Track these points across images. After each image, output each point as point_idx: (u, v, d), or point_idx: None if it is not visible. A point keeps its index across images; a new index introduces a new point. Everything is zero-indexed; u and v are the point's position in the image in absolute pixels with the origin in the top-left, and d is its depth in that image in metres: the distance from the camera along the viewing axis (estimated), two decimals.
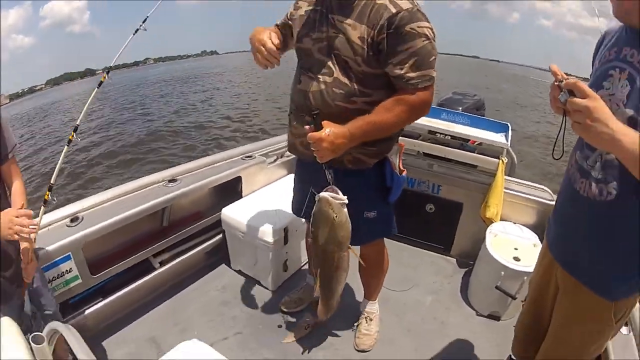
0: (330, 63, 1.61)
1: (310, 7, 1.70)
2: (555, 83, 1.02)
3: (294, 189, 2.21)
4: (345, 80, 1.59)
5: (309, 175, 1.96)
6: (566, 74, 1.03)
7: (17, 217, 1.42)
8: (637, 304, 1.57)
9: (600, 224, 1.21)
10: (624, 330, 1.73)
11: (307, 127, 1.51)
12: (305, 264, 2.87)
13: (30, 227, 1.45)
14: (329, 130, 1.48)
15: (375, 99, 1.59)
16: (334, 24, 1.59)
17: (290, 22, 1.83)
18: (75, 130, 1.75)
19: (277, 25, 1.90)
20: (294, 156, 2.20)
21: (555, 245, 1.46)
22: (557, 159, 1.18)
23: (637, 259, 1.18)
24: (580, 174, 1.24)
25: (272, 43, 1.62)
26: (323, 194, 1.45)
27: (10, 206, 1.55)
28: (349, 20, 1.55)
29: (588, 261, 1.30)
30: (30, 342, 1.19)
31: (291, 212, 2.24)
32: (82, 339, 1.17)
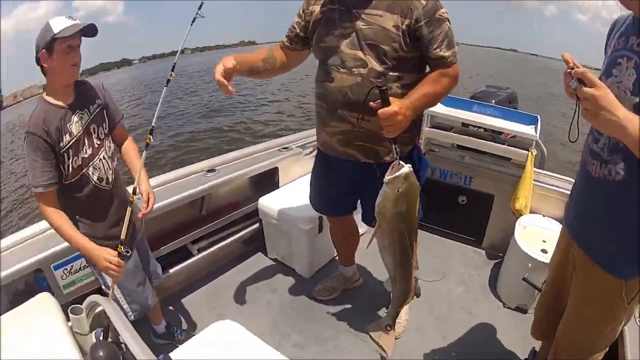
0: (361, 55, 1.71)
1: (325, 8, 1.81)
2: (567, 70, 1.08)
3: (317, 188, 2.30)
4: (381, 69, 1.69)
5: (338, 173, 2.09)
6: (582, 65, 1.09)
7: (111, 262, 1.64)
8: None
9: (610, 203, 1.26)
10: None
11: (373, 104, 1.52)
12: (336, 255, 2.93)
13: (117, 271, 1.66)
14: (399, 104, 1.52)
15: (407, 82, 1.73)
16: (361, 17, 1.70)
17: (298, 30, 1.93)
18: (151, 133, 1.86)
19: (282, 46, 2.00)
20: (316, 152, 2.29)
21: (571, 226, 1.52)
22: (573, 142, 1.24)
23: (627, 244, 1.24)
24: (592, 156, 1.30)
25: (221, 70, 1.66)
26: (407, 167, 1.44)
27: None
28: (378, 12, 1.67)
29: (600, 240, 1.35)
30: (69, 312, 1.30)
31: None
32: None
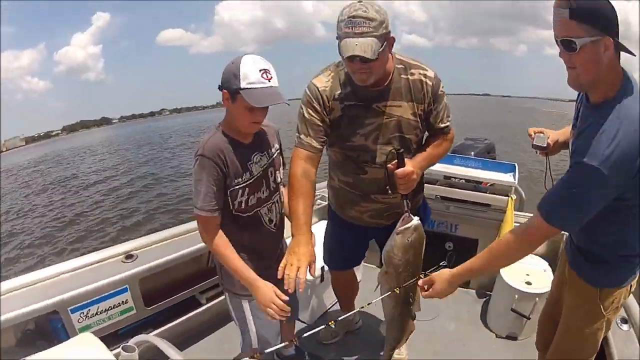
0: (389, 148, 1.80)
1: (343, 105, 1.83)
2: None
3: (333, 250, 2.39)
4: (408, 156, 1.82)
5: (359, 235, 2.27)
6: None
7: (275, 302, 1.63)
8: (632, 298, 1.94)
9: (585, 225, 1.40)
10: (624, 327, 2.00)
11: (390, 166, 1.70)
12: (333, 305, 3.12)
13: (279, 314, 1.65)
14: (411, 164, 1.72)
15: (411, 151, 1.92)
16: (384, 111, 1.82)
17: (326, 129, 1.86)
18: None
19: (314, 153, 1.84)
20: (325, 204, 2.49)
21: (565, 245, 1.80)
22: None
23: (610, 258, 1.52)
24: None
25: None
26: (416, 220, 1.63)
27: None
28: (397, 102, 1.82)
29: (578, 253, 1.62)
30: (121, 350, 1.45)
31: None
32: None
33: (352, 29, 1.57)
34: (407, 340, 1.99)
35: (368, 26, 1.56)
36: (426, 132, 1.95)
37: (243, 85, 1.53)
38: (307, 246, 1.66)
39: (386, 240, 1.73)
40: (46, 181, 17.15)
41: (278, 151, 1.88)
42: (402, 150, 1.69)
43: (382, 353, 2.59)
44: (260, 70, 1.55)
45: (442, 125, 1.91)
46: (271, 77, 1.58)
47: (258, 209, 1.79)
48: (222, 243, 1.69)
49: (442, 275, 1.67)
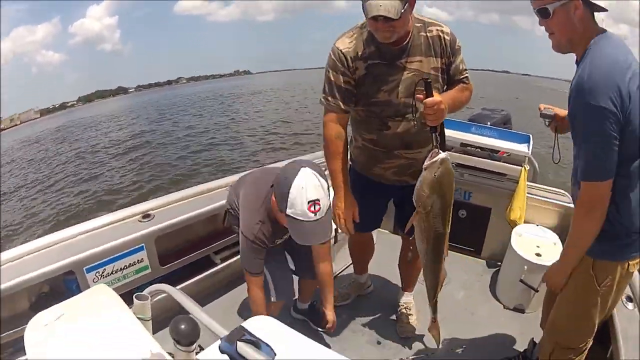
0: (411, 101, 1.85)
1: (367, 64, 1.90)
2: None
3: (362, 209, 2.29)
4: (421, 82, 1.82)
5: (382, 195, 2.33)
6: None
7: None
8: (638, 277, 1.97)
9: None
10: (629, 305, 2.00)
11: (420, 96, 1.71)
12: (346, 267, 3.14)
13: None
14: (439, 96, 1.73)
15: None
16: (405, 67, 1.90)
17: (352, 88, 1.95)
18: None
19: (340, 112, 1.98)
20: None
21: None
22: (556, 163, 1.78)
23: (609, 228, 1.52)
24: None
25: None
26: (444, 154, 1.65)
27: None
28: (417, 57, 1.90)
29: None
30: (134, 298, 1.46)
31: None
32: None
33: None
34: (441, 288, 2.09)
35: None
36: (446, 83, 2.01)
37: (289, 212, 1.69)
38: (347, 199, 2.11)
39: (405, 201, 1.87)
40: (59, 151, 17.28)
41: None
42: (429, 79, 1.70)
43: (395, 314, 2.67)
44: (308, 203, 1.67)
45: (462, 76, 2.00)
46: (319, 209, 1.69)
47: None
48: (257, 296, 2.03)
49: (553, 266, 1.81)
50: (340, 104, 1.95)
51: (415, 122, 1.90)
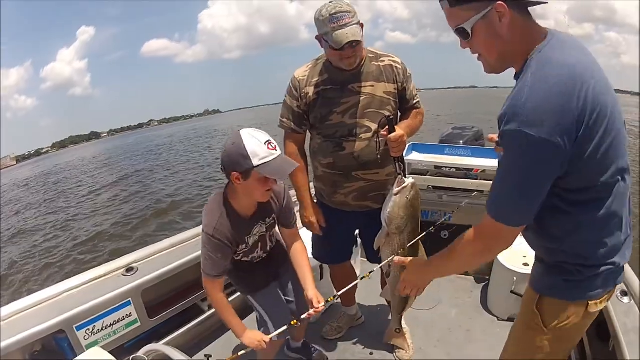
0: (365, 122, 2.07)
1: (319, 89, 2.09)
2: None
3: (323, 241, 2.47)
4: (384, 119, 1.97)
5: (345, 224, 2.40)
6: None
7: (260, 341, 1.90)
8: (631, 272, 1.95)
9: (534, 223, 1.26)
10: (625, 299, 2.00)
11: (383, 132, 1.90)
12: (336, 299, 3.13)
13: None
14: (400, 129, 1.92)
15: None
16: (358, 91, 2.06)
17: (302, 112, 2.14)
18: None
19: (292, 134, 2.22)
20: None
21: None
22: None
23: (550, 261, 1.33)
24: None
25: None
26: (412, 179, 1.78)
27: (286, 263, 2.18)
28: (369, 83, 2.06)
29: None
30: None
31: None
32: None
33: (337, 23, 1.83)
34: (411, 305, 2.09)
35: (349, 17, 1.84)
36: (398, 108, 2.16)
37: (256, 163, 1.65)
38: (313, 209, 2.32)
39: (372, 228, 1.92)
40: (34, 200, 17.06)
41: (274, 218, 2.05)
42: (391, 117, 1.92)
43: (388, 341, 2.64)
44: (265, 143, 1.67)
45: (414, 101, 2.19)
46: (275, 146, 1.71)
47: (249, 258, 2.07)
48: (222, 303, 1.96)
49: (417, 261, 1.68)
50: (292, 124, 2.17)
51: (379, 154, 2.05)
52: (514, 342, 1.51)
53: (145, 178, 18.04)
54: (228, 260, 1.91)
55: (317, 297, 1.97)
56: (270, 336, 1.91)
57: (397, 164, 1.90)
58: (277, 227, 2.12)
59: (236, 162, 1.66)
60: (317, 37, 1.99)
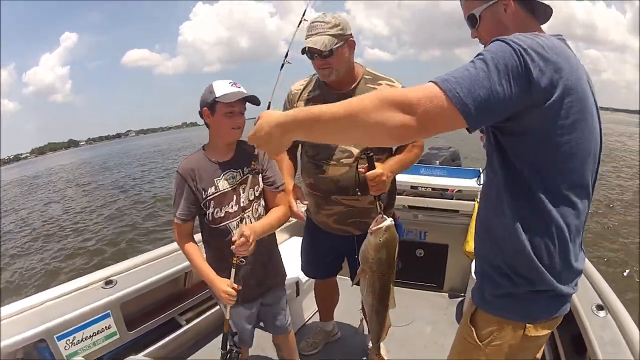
0: (347, 147, 2.01)
1: (309, 105, 1.97)
2: None
3: (310, 256, 2.52)
4: (363, 155, 1.91)
5: (330, 243, 2.36)
6: None
7: (226, 292, 1.84)
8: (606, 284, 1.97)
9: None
10: (601, 313, 2.01)
11: (361, 169, 1.84)
12: (313, 314, 3.16)
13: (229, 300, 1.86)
14: (382, 167, 1.83)
15: (382, 158, 2.02)
16: None
17: None
18: None
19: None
20: (295, 220, 2.62)
21: None
22: None
23: (484, 273, 1.31)
24: None
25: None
26: (388, 220, 1.62)
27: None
28: None
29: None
30: None
31: (300, 272, 2.64)
32: None
33: (311, 31, 1.89)
34: (386, 335, 2.04)
35: (323, 27, 1.87)
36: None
37: (218, 94, 1.78)
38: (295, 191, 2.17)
39: (351, 253, 1.91)
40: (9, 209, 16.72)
41: (255, 171, 1.94)
42: (371, 153, 1.80)
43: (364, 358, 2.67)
44: (229, 83, 1.83)
45: None
46: (240, 86, 1.83)
47: (227, 222, 1.93)
48: (189, 248, 1.97)
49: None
50: None
51: (358, 184, 1.99)
52: (454, 353, 1.46)
53: (124, 188, 17.93)
54: (192, 202, 1.90)
55: (246, 234, 1.78)
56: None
57: (377, 202, 1.78)
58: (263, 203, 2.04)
59: (205, 99, 1.82)
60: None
